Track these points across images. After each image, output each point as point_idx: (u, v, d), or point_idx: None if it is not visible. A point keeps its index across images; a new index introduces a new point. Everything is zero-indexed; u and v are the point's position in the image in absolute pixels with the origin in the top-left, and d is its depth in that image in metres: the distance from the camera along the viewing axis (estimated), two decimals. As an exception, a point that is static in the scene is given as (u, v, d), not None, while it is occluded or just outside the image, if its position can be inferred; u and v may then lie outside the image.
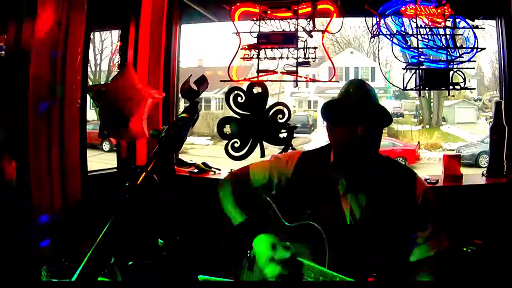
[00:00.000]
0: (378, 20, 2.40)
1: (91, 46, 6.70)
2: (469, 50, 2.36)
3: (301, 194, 1.33)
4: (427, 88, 2.45)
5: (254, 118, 2.53)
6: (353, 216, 1.26)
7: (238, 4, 2.48)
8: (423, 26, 2.36)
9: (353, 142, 1.24)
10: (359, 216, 1.25)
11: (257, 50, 2.47)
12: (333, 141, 1.33)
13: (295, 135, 2.52)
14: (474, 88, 21.95)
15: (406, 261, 1.25)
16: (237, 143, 2.55)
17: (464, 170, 2.40)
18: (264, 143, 2.55)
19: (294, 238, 1.27)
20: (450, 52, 2.35)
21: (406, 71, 2.42)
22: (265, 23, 2.50)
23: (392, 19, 2.42)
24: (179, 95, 2.77)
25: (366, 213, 1.25)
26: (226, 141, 2.56)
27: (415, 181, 1.29)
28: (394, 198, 1.25)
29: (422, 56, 2.39)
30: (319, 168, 1.35)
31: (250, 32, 2.49)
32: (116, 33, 19.42)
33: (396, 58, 2.46)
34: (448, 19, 2.34)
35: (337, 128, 1.29)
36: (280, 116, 2.52)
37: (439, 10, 2.33)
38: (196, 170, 2.68)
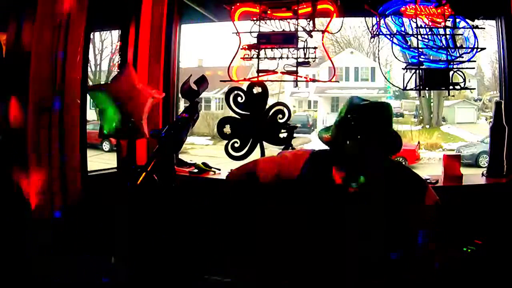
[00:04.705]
0: (378, 20, 2.40)
1: (91, 46, 6.70)
2: (469, 50, 2.36)
3: (306, 196, 1.33)
4: (427, 88, 2.45)
5: (254, 118, 2.53)
6: (357, 221, 1.25)
7: (238, 4, 2.48)
8: (423, 26, 2.36)
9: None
10: (362, 222, 1.25)
11: (257, 50, 2.47)
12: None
13: (295, 135, 2.52)
14: (474, 88, 21.93)
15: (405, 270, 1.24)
16: (237, 143, 2.55)
17: (464, 170, 2.40)
18: (264, 143, 2.55)
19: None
20: (450, 52, 2.35)
21: (406, 71, 2.42)
22: (265, 23, 2.49)
23: (392, 19, 2.42)
24: (179, 95, 2.77)
25: (371, 219, 1.24)
26: (226, 141, 2.56)
27: (424, 193, 1.27)
28: (399, 207, 1.23)
29: (422, 56, 2.39)
30: (326, 172, 1.34)
31: (250, 32, 2.49)
32: (116, 33, 19.41)
33: (396, 58, 2.46)
34: (448, 19, 2.34)
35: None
36: (280, 116, 2.52)
37: (439, 10, 2.33)
38: (196, 170, 2.67)
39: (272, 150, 2.45)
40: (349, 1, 2.45)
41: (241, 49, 2.51)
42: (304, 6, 2.41)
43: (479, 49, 2.36)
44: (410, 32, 2.39)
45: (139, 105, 2.28)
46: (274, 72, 2.51)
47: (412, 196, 1.26)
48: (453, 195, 2.24)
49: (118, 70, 2.56)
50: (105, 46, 21.31)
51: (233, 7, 2.49)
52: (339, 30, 2.63)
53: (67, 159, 1.96)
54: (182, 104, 5.29)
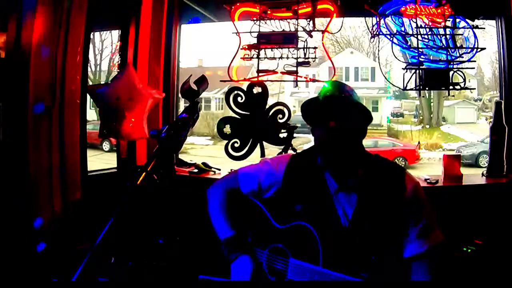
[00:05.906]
0: (378, 20, 2.40)
1: (91, 46, 6.71)
2: (469, 50, 2.36)
3: (292, 197, 1.33)
4: (427, 88, 2.45)
5: (254, 118, 2.53)
6: (346, 215, 1.27)
7: (238, 4, 2.48)
8: (423, 26, 2.36)
9: (327, 140, 1.25)
10: (351, 215, 1.26)
11: (257, 50, 2.47)
12: (314, 141, 1.34)
13: (295, 135, 2.52)
14: (474, 88, 21.98)
15: (400, 258, 1.25)
16: (237, 143, 2.55)
17: (464, 170, 2.40)
18: (264, 143, 2.55)
19: (287, 240, 1.28)
20: (450, 52, 2.35)
21: (406, 71, 2.41)
22: (265, 23, 2.49)
23: (392, 19, 2.41)
24: (179, 95, 2.77)
25: (358, 211, 1.26)
26: (226, 141, 2.56)
27: (404, 177, 1.30)
28: (384, 195, 1.26)
29: (422, 56, 2.39)
30: (309, 169, 1.35)
31: (250, 32, 2.49)
32: (116, 33, 19.46)
33: (396, 58, 2.46)
34: (448, 19, 2.34)
35: (314, 127, 1.30)
36: (280, 116, 2.52)
37: (439, 10, 2.33)
38: (196, 170, 2.67)
39: (272, 150, 2.46)
40: (349, 1, 2.45)
41: (241, 49, 2.51)
42: (304, 6, 2.41)
43: (479, 49, 2.36)
44: (410, 32, 2.39)
45: (139, 105, 2.28)
46: (274, 72, 2.50)
47: (394, 181, 1.28)
48: (453, 195, 2.24)
49: (118, 70, 2.56)
50: (105, 46, 21.43)
51: (233, 7, 2.49)
52: (339, 30, 2.63)
53: (67, 159, 1.96)
54: (182, 104, 5.29)
